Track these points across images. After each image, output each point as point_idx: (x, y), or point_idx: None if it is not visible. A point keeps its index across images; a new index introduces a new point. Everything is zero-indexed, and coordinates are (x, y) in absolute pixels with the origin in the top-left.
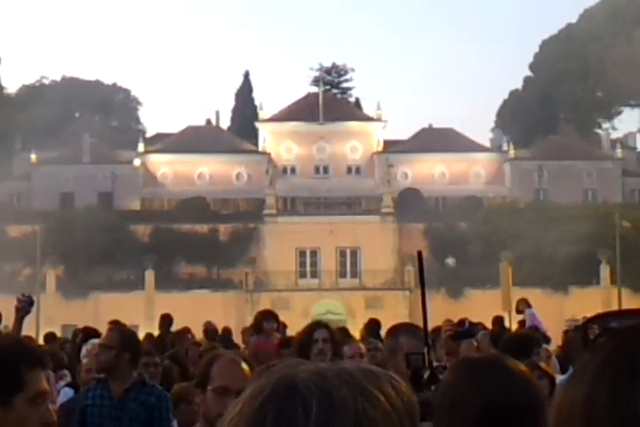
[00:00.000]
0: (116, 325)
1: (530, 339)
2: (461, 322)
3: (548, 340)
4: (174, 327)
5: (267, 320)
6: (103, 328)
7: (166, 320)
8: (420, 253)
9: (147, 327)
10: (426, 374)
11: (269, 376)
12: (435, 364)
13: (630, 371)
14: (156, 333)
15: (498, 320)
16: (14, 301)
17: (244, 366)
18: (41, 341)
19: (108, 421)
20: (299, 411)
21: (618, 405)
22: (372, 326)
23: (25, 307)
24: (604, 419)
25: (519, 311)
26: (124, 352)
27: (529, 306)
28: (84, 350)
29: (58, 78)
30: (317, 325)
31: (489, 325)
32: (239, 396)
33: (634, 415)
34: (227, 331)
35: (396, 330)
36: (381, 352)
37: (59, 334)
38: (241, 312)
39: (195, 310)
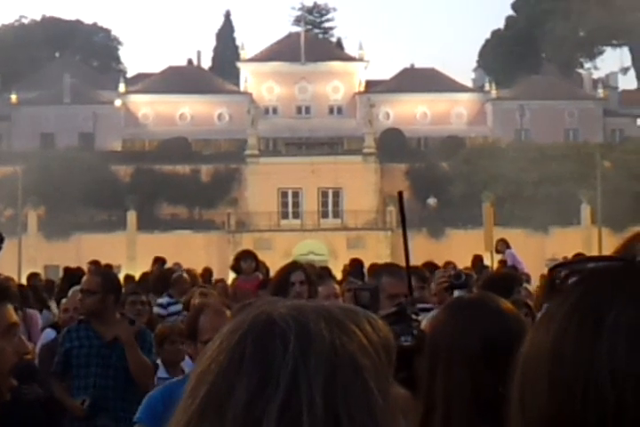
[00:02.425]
0: (95, 267)
1: (511, 278)
2: (457, 275)
3: (528, 279)
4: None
5: (244, 260)
6: (85, 269)
7: (159, 262)
8: (400, 194)
9: (128, 268)
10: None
11: (248, 312)
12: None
13: (597, 321)
14: (137, 273)
15: (477, 259)
16: None
17: (229, 314)
18: (24, 281)
19: (95, 359)
20: (276, 343)
21: (582, 356)
22: (355, 265)
23: None
24: (568, 370)
25: (498, 252)
26: (108, 295)
27: (508, 247)
28: (70, 293)
29: (38, 18)
30: (293, 267)
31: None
32: None
33: (598, 368)
34: (207, 271)
35: (377, 270)
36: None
37: (42, 274)
38: (223, 253)
39: (176, 251)
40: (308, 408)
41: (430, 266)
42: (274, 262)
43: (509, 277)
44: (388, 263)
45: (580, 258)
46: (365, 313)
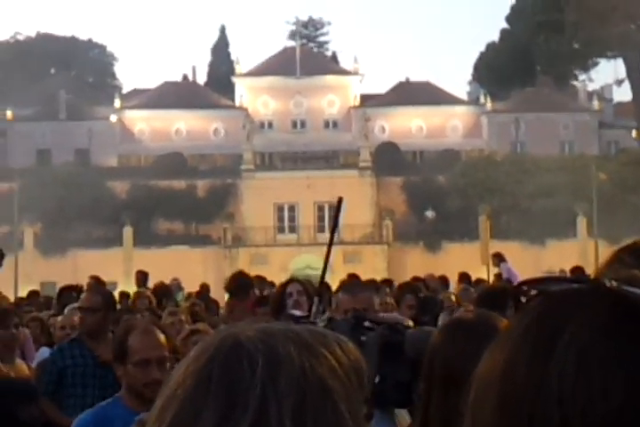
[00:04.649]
0: (95, 284)
1: (504, 293)
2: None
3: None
4: (149, 283)
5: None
6: (82, 284)
7: (141, 276)
8: (340, 200)
9: (125, 284)
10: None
11: (215, 336)
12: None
13: (549, 343)
14: (132, 290)
15: (463, 276)
16: None
17: (159, 332)
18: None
19: (92, 379)
20: (244, 366)
21: (533, 378)
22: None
23: None
24: (519, 390)
25: (495, 265)
26: (109, 313)
27: (503, 260)
28: (66, 310)
29: (33, 34)
30: (290, 280)
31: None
32: (160, 363)
33: (546, 390)
34: (204, 287)
35: (339, 287)
36: None
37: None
38: (219, 268)
39: (173, 267)
40: None
41: (419, 280)
42: (271, 278)
43: (502, 292)
44: (348, 280)
45: (545, 277)
46: (335, 336)
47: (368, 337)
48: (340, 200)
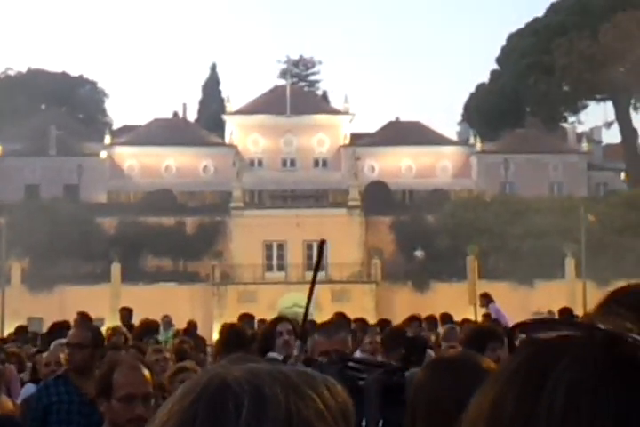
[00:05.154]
0: (83, 320)
1: (487, 333)
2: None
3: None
4: (134, 320)
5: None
6: (70, 321)
7: (126, 313)
8: (322, 242)
9: (112, 320)
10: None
11: (201, 375)
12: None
13: (538, 382)
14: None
15: (444, 316)
16: None
17: (144, 368)
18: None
19: (77, 417)
20: (230, 408)
21: (522, 414)
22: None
23: None
24: None
25: (483, 306)
26: (97, 349)
27: (491, 300)
28: (52, 347)
29: (24, 70)
30: (280, 319)
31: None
32: (144, 399)
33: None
34: (192, 325)
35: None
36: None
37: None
38: (207, 305)
39: (161, 303)
40: None
41: (415, 320)
42: (259, 315)
43: (483, 334)
44: (336, 318)
45: (539, 320)
46: (323, 378)
47: (366, 382)
48: (322, 243)
